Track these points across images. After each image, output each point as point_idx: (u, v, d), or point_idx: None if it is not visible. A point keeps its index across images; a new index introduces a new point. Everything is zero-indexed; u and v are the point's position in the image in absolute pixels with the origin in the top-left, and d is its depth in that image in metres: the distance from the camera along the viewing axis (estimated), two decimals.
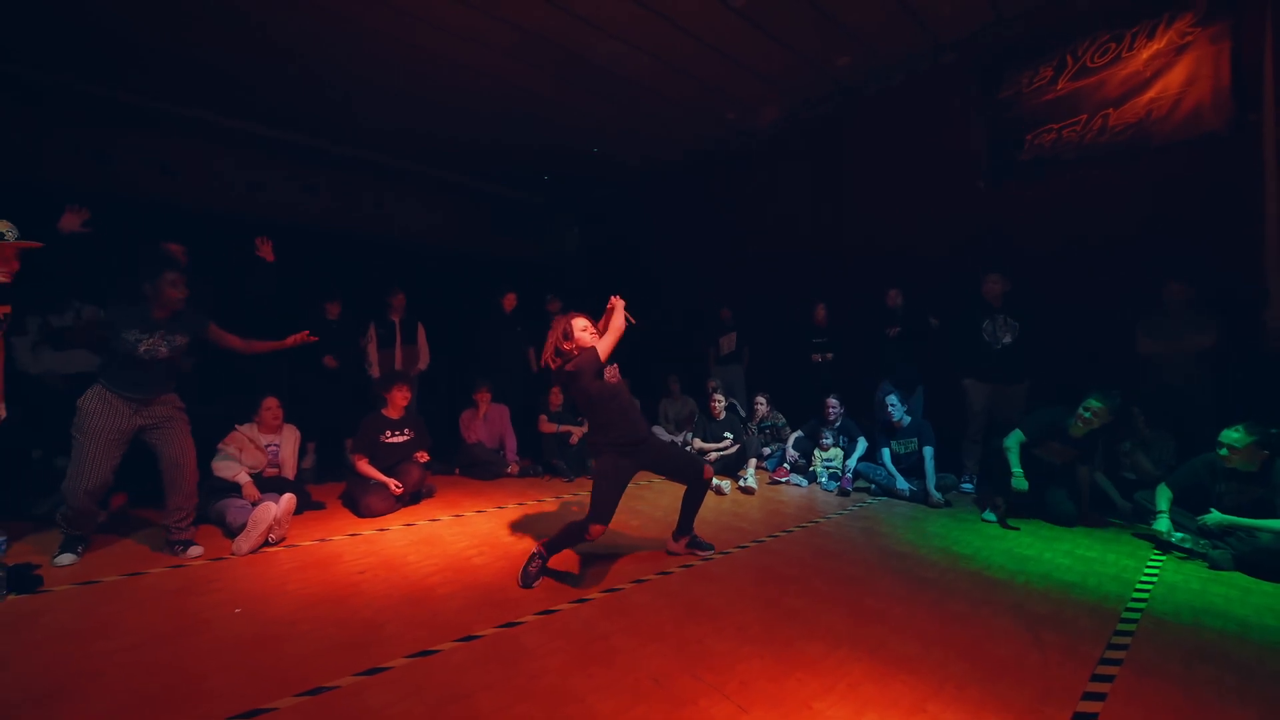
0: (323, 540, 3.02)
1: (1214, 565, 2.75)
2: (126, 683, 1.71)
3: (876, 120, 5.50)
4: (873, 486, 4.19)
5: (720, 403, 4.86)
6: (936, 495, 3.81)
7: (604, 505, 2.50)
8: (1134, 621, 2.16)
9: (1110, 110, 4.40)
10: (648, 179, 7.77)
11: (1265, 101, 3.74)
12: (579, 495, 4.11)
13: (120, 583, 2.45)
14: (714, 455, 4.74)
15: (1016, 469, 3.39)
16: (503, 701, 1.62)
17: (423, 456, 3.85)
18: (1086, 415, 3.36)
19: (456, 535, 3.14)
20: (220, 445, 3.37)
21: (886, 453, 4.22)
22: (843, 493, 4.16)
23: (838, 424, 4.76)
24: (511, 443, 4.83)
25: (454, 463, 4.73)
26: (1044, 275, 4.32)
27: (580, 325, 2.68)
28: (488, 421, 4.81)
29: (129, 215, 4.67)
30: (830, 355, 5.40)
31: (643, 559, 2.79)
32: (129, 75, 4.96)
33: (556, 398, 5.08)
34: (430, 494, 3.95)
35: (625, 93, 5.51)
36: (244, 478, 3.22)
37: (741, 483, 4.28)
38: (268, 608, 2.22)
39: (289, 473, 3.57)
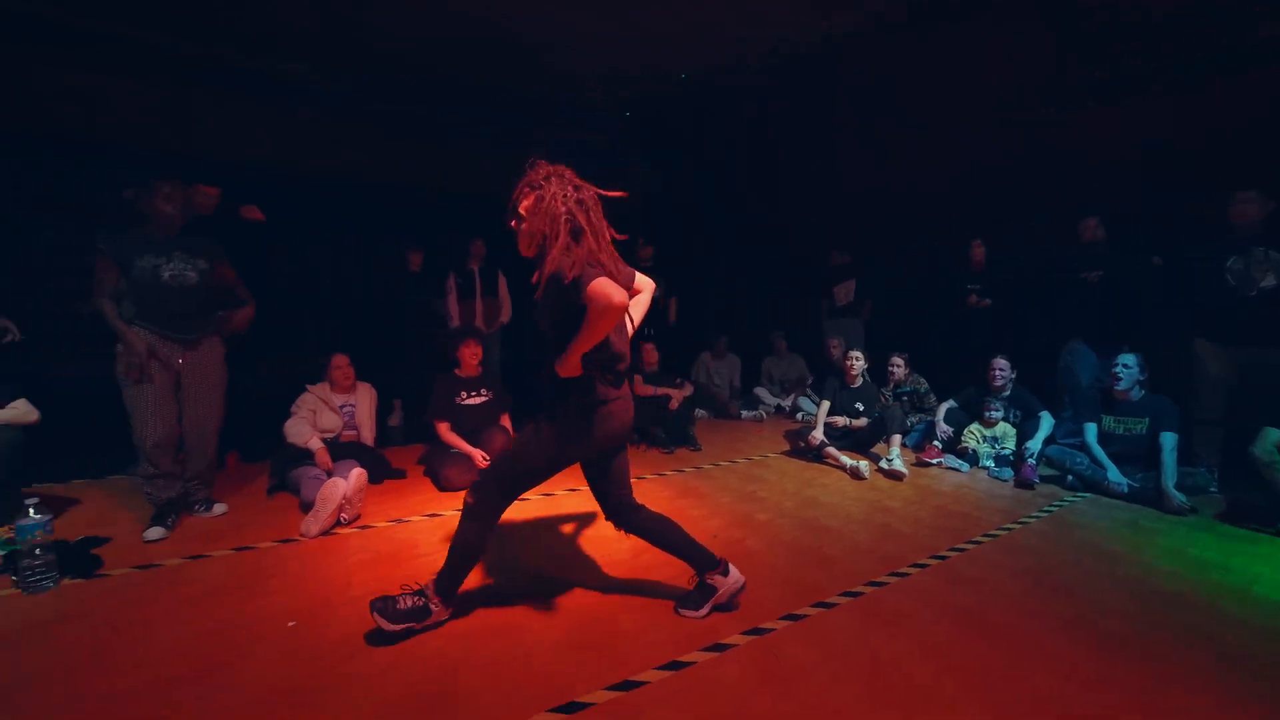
0: (398, 521, 2.61)
1: None
2: None
3: None
4: (1069, 478, 3.19)
5: (858, 365, 3.96)
6: (1179, 497, 2.78)
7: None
8: None
9: None
10: (731, 101, 6.50)
11: None
12: (684, 471, 3.48)
13: (179, 568, 2.13)
14: (839, 423, 3.90)
15: None
16: None
17: (505, 420, 3.36)
18: None
19: (548, 525, 2.60)
20: (293, 407, 3.03)
21: (1093, 432, 3.18)
22: (1023, 484, 3.21)
23: (1007, 393, 3.74)
24: None
25: None
26: None
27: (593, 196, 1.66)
28: None
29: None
30: (988, 301, 4.30)
31: (788, 582, 2.10)
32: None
33: (651, 356, 4.42)
34: None
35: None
36: (316, 444, 2.87)
37: (885, 464, 3.44)
38: (327, 622, 1.77)
39: (367, 436, 3.21)
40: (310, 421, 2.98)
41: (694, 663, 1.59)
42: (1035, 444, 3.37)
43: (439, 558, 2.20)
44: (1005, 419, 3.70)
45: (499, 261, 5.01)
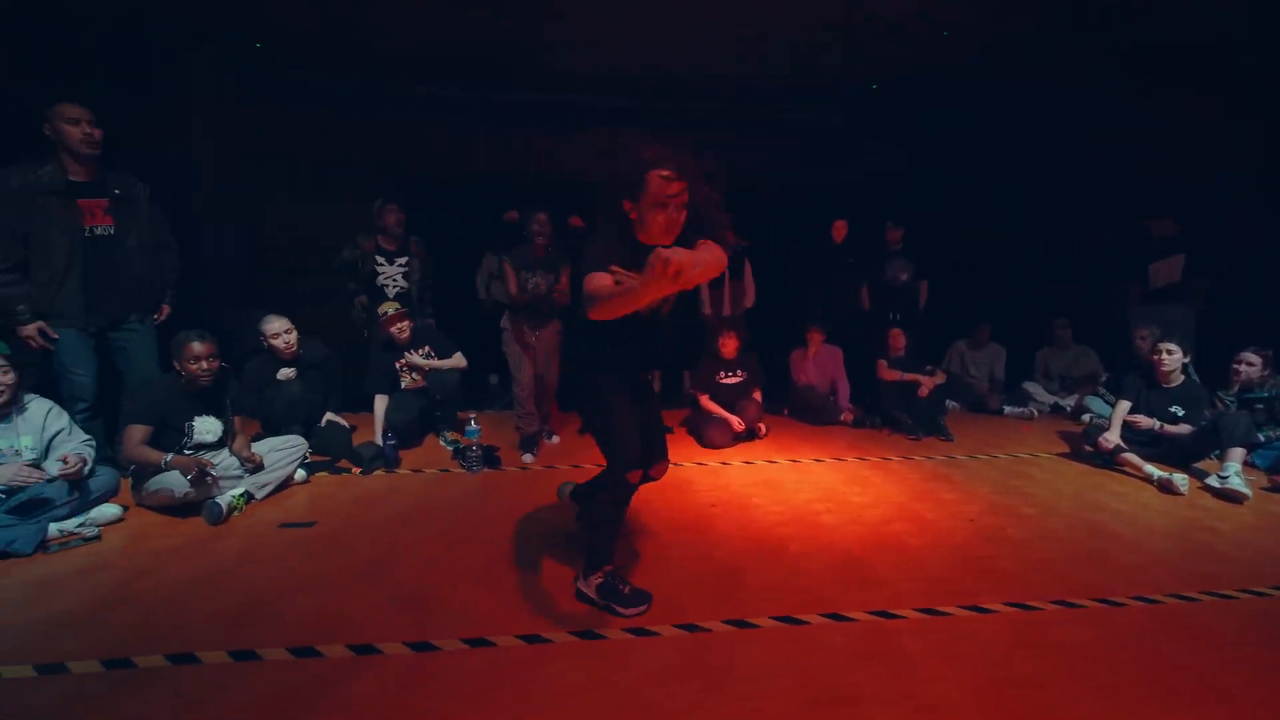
0: (675, 465, 3.25)
1: None
2: (517, 575, 2.07)
3: None
4: None
5: (1171, 360, 3.29)
6: None
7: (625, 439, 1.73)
8: None
9: None
10: (999, 54, 5.56)
11: None
12: (934, 459, 3.43)
13: (540, 471, 3.12)
14: (1143, 425, 3.29)
15: None
16: None
17: (757, 395, 3.79)
18: None
19: (798, 483, 2.95)
20: None
21: None
22: None
23: None
24: (844, 389, 4.38)
25: (782, 403, 4.58)
26: None
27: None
28: (818, 364, 4.46)
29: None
30: None
31: (1059, 574, 2.05)
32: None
33: (898, 341, 4.33)
34: (765, 434, 3.89)
35: None
36: None
37: (1216, 481, 2.84)
38: (640, 523, 2.44)
39: None
40: None
41: (950, 613, 1.76)
42: None
43: (710, 493, 2.76)
44: None
45: (745, 249, 5.43)
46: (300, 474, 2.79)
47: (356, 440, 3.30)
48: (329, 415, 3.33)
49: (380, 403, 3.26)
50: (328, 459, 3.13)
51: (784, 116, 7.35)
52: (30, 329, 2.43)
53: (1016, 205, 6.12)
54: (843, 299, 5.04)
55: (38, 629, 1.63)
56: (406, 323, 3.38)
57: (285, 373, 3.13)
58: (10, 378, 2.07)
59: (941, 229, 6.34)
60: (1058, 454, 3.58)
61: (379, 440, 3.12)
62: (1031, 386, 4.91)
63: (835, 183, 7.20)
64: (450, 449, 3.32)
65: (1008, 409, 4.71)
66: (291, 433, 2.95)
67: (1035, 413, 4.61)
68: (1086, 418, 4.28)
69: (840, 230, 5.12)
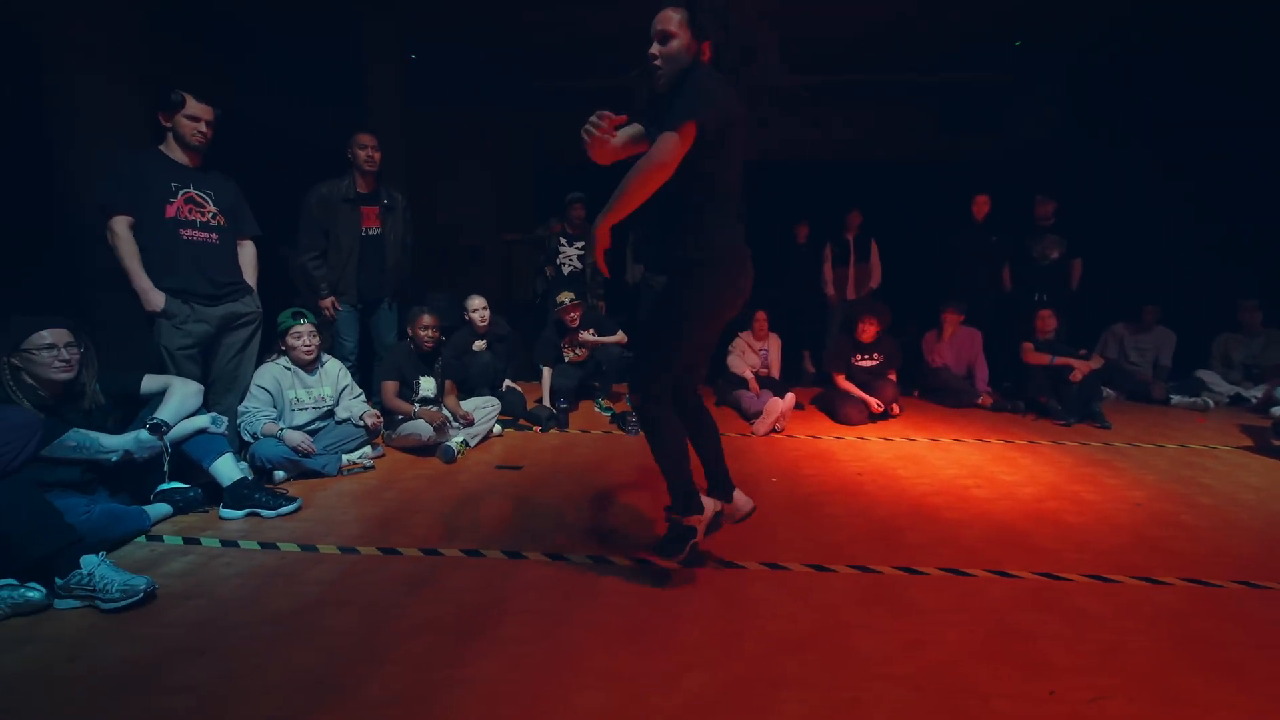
0: (814, 437, 3.48)
1: None
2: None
3: None
4: None
5: None
6: None
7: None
8: None
9: None
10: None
11: None
12: (1089, 445, 3.34)
13: None
14: None
15: None
16: (1079, 662, 1.47)
17: (892, 375, 3.87)
18: None
19: (941, 460, 3.05)
20: (730, 347, 4.23)
21: None
22: None
23: None
24: (983, 371, 4.30)
25: (914, 384, 4.57)
26: None
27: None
28: (954, 346, 4.39)
29: None
30: None
31: (1240, 557, 2.04)
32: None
33: (1047, 323, 4.15)
34: (899, 414, 3.95)
35: None
36: (749, 374, 3.99)
37: None
38: (794, 485, 2.70)
39: (775, 374, 4.21)
40: (741, 358, 4.13)
41: (1121, 581, 1.85)
42: None
43: (857, 465, 2.95)
44: None
45: (873, 230, 5.38)
46: (497, 429, 3.37)
47: (528, 404, 3.86)
48: (507, 381, 3.92)
49: (547, 373, 3.79)
50: (510, 418, 3.70)
51: (919, 79, 6.93)
52: (326, 301, 3.24)
53: (1192, 171, 5.45)
54: (983, 280, 4.86)
55: (364, 524, 2.24)
56: (578, 312, 3.89)
57: (478, 344, 3.73)
58: (319, 340, 2.76)
59: (1101, 201, 5.79)
60: (1239, 447, 3.33)
61: (549, 404, 3.64)
62: (1207, 375, 4.47)
63: (977, 152, 6.75)
64: (607, 415, 3.78)
65: (1176, 399, 4.35)
66: (481, 395, 3.55)
67: (1211, 404, 4.22)
68: (1278, 410, 3.85)
69: (982, 206, 4.92)
